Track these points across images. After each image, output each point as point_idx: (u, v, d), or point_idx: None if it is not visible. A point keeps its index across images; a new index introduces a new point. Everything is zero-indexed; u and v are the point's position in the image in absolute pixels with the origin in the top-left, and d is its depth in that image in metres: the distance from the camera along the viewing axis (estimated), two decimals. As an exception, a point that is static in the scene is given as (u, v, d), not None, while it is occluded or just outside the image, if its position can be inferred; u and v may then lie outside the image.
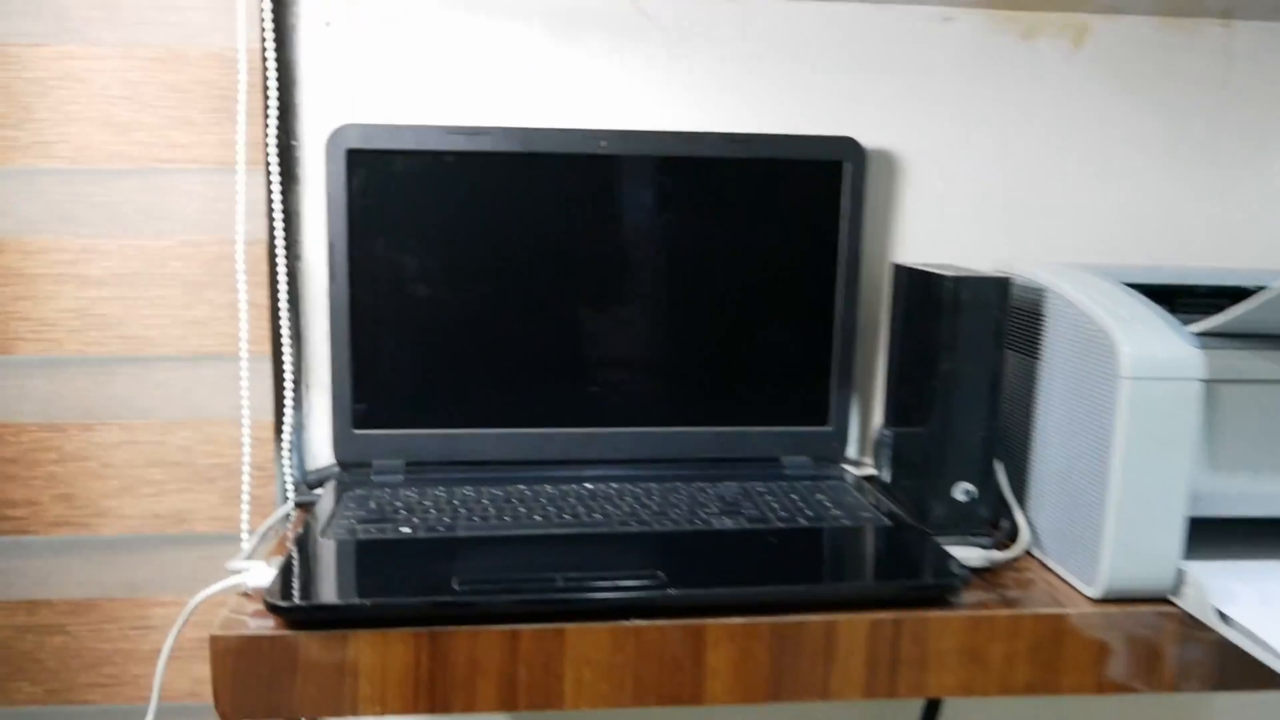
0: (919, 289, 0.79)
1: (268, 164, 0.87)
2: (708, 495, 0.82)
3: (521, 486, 0.83)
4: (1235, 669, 0.68)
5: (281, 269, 0.88)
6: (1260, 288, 0.63)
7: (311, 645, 0.63)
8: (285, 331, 0.89)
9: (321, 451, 0.94)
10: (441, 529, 0.74)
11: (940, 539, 0.75)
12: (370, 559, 0.70)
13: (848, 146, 0.87)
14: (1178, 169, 0.97)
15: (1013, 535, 0.77)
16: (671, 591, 0.65)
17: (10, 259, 0.88)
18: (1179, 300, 0.78)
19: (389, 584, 0.67)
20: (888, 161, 0.94)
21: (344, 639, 0.63)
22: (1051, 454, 0.75)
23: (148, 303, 0.90)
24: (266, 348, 0.90)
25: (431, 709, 0.64)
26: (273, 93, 0.86)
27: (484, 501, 0.79)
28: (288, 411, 0.90)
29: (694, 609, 0.65)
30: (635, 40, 0.92)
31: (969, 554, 0.73)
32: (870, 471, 0.91)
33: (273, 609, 0.63)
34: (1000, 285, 0.75)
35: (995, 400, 0.76)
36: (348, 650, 0.63)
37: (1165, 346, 0.66)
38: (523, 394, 0.88)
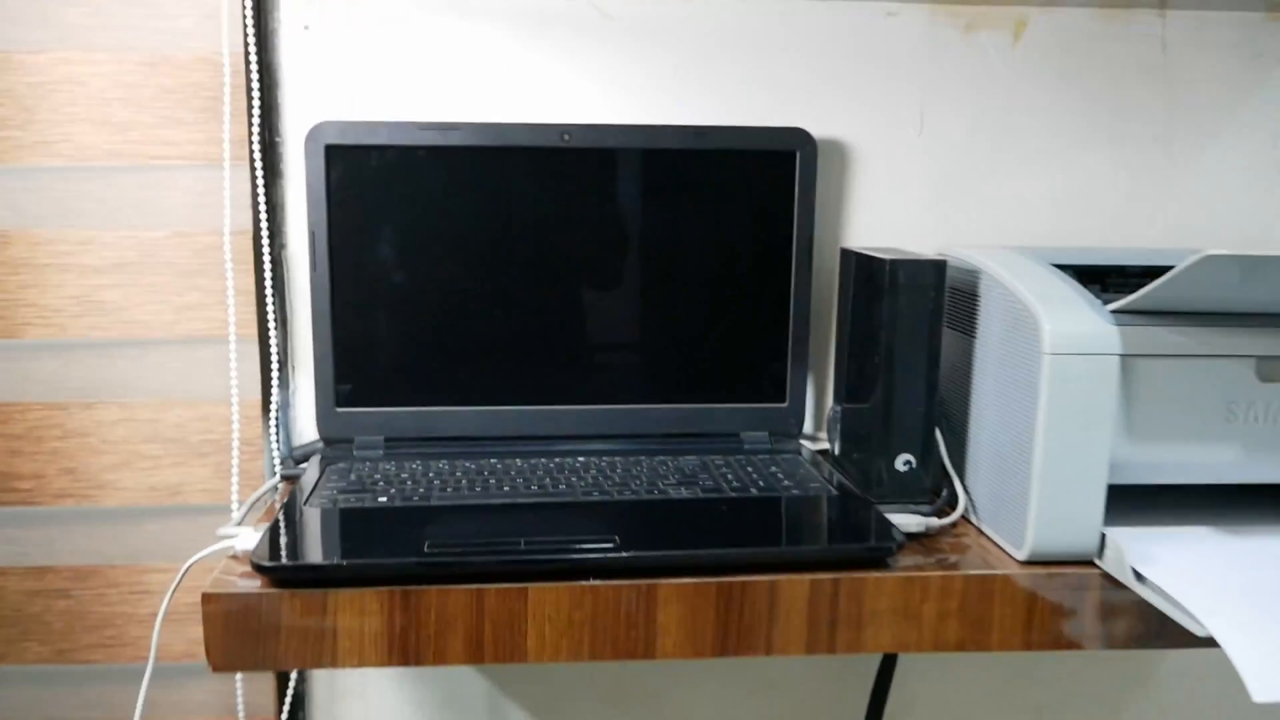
0: (863, 272, 0.83)
1: (252, 159, 0.91)
2: (668, 468, 0.86)
3: (493, 460, 0.87)
4: (1155, 628, 0.71)
5: (266, 257, 0.92)
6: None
7: (294, 603, 0.66)
8: (271, 316, 0.93)
9: (307, 428, 0.98)
10: (416, 498, 0.78)
11: (882, 507, 0.78)
12: (349, 525, 0.74)
13: (799, 137, 0.90)
14: (1117, 154, 1.00)
15: (952, 503, 0.81)
16: (624, 554, 0.69)
17: (17, 250, 0.93)
18: (1110, 280, 0.82)
19: (366, 547, 0.71)
20: (838, 151, 0.98)
21: (324, 597, 0.66)
22: (986, 426, 0.79)
23: (143, 290, 0.94)
24: (254, 331, 0.94)
25: (405, 661, 0.68)
26: (256, 93, 0.90)
27: (457, 474, 0.83)
28: (274, 391, 0.94)
29: (646, 570, 0.69)
30: (596, 39, 0.95)
31: (907, 520, 0.77)
32: (825, 446, 0.95)
33: (259, 569, 0.67)
34: (937, 267, 0.79)
35: (934, 376, 0.80)
36: (327, 607, 0.67)
37: (1085, 324, 0.70)
38: (495, 374, 0.91)
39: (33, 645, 0.99)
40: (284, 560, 0.68)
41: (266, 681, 0.99)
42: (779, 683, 1.07)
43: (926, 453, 0.81)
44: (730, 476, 0.84)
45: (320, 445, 0.91)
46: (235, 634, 0.67)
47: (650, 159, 0.90)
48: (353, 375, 0.90)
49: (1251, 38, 0.98)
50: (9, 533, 0.97)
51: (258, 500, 0.85)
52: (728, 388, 0.94)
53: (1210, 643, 0.63)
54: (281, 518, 0.74)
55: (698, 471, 0.85)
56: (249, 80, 0.90)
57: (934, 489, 0.83)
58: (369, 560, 0.68)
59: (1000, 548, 0.76)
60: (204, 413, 0.96)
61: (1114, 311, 0.71)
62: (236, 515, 0.82)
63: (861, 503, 0.79)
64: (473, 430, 0.92)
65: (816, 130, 0.92)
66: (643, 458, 0.89)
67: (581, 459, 0.88)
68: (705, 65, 0.96)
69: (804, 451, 0.92)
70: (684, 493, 0.80)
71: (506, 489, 0.80)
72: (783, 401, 0.94)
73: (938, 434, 0.83)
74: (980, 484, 0.80)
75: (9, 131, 0.92)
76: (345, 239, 0.88)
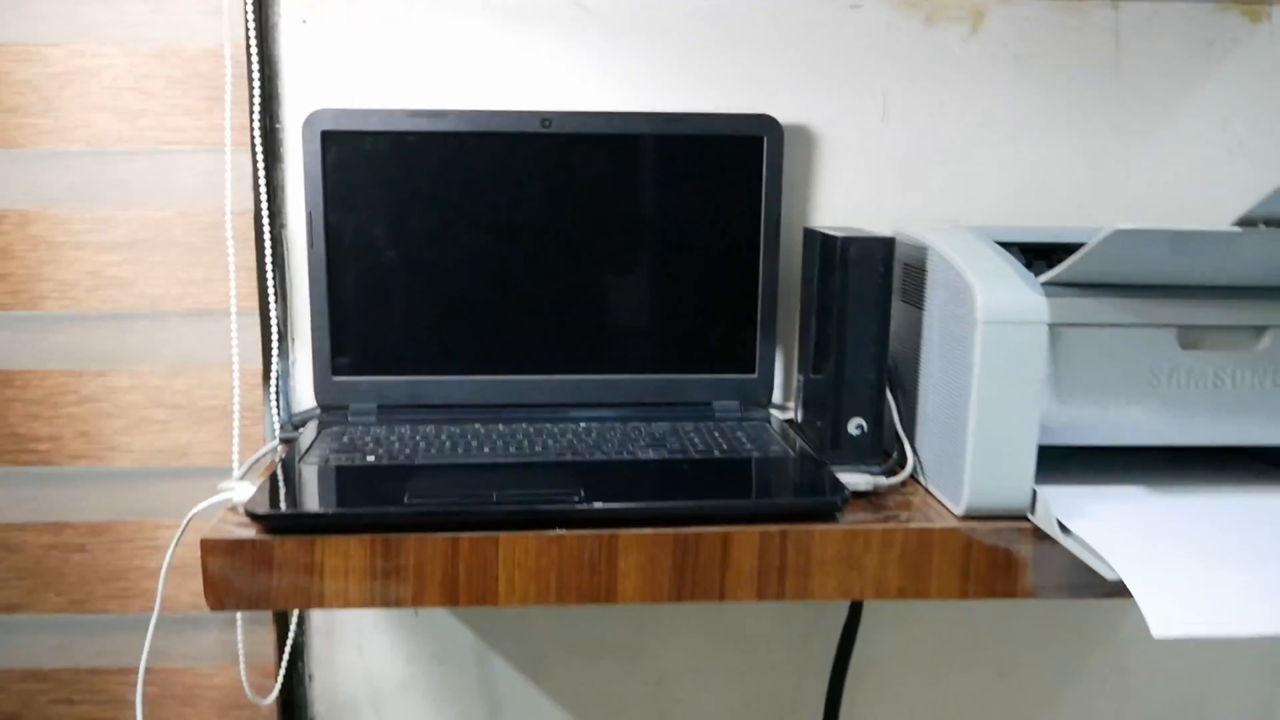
0: (820, 249, 0.87)
1: (253, 145, 0.96)
2: (639, 433, 0.91)
3: (477, 425, 0.92)
4: (1081, 579, 0.74)
5: (267, 236, 0.97)
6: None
7: (285, 547, 0.71)
8: (271, 290, 0.98)
9: (305, 396, 1.03)
10: (402, 458, 0.83)
11: (836, 468, 0.83)
12: (338, 480, 0.79)
13: (766, 123, 0.95)
14: (1074, 138, 1.04)
15: (901, 463, 0.86)
16: (585, 506, 0.74)
17: (37, 229, 0.99)
18: (1056, 257, 0.85)
19: (351, 498, 0.77)
20: (805, 136, 1.02)
21: (312, 543, 0.71)
22: (932, 391, 0.83)
23: (153, 266, 0.99)
24: (255, 305, 0.99)
25: (385, 603, 0.73)
26: (257, 83, 0.95)
27: (442, 437, 0.88)
28: (274, 360, 0.99)
29: (608, 521, 0.74)
30: (575, 31, 1.00)
31: (856, 479, 0.81)
32: (793, 415, 1.01)
33: (253, 516, 0.72)
34: (885, 244, 0.83)
35: (883, 345, 0.84)
36: (315, 553, 0.72)
37: (1015, 295, 0.74)
38: (480, 345, 0.96)
39: (50, 596, 1.04)
40: (276, 509, 0.73)
41: (267, 631, 1.04)
42: (751, 638, 1.12)
43: (877, 417, 0.86)
44: (697, 440, 0.89)
45: (317, 412, 0.96)
46: (232, 576, 0.72)
47: (625, 143, 0.95)
48: (347, 346, 0.95)
49: (1202, 27, 1.02)
50: (28, 491, 1.02)
51: (257, 461, 0.90)
52: (700, 359, 0.99)
53: (1124, 590, 0.67)
54: (277, 473, 0.80)
55: (667, 436, 0.90)
56: (250, 71, 0.95)
57: (886, 451, 0.88)
58: (352, 509, 0.74)
59: (943, 505, 0.80)
60: (209, 380, 1.01)
61: (1044, 284, 0.75)
62: (237, 474, 0.87)
63: (816, 464, 0.84)
64: (459, 398, 0.96)
65: (784, 117, 0.97)
66: (617, 424, 0.93)
67: (559, 425, 0.93)
68: (678, 55, 1.01)
69: (773, 420, 0.96)
70: (651, 454, 0.85)
71: (486, 450, 0.85)
72: (752, 372, 0.99)
73: (889, 399, 0.88)
74: (926, 446, 0.84)
75: (30, 119, 0.97)
76: (340, 219, 0.93)
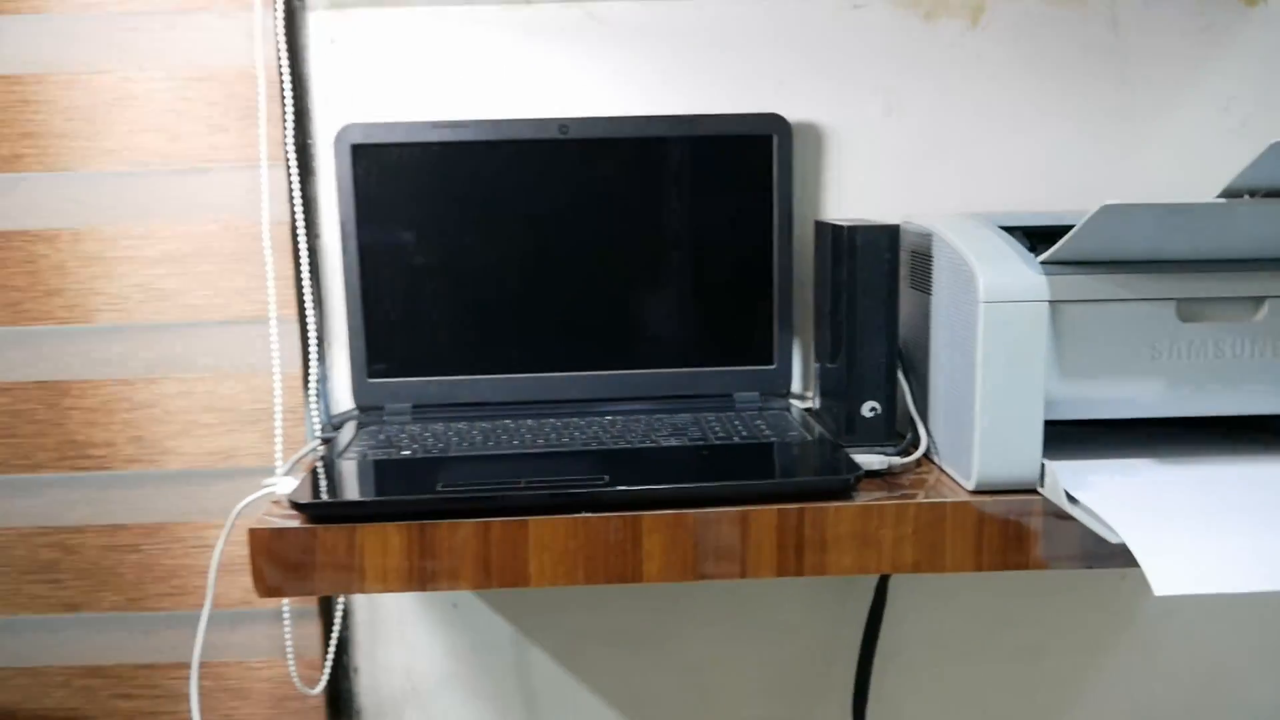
0: (830, 240, 0.90)
1: (288, 160, 1.00)
2: (662, 423, 0.94)
3: (507, 421, 0.96)
4: (1091, 548, 0.77)
5: (303, 246, 1.01)
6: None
7: (327, 536, 0.75)
8: (308, 298, 1.02)
9: (343, 397, 1.07)
10: (436, 451, 0.87)
11: (852, 450, 0.86)
12: (375, 472, 0.83)
13: (775, 122, 0.98)
14: (1076, 126, 1.06)
15: (915, 443, 0.88)
16: (609, 489, 0.77)
17: (89, 245, 1.03)
18: (1059, 239, 0.89)
19: (388, 487, 0.81)
20: (814, 133, 1.05)
21: (351, 531, 0.75)
22: (941, 372, 0.86)
23: (197, 277, 1.04)
24: (293, 312, 1.03)
25: (422, 586, 0.76)
26: (289, 101, 0.99)
27: (474, 433, 0.92)
28: (313, 364, 1.03)
29: (631, 503, 0.77)
30: (589, 41, 1.04)
31: (870, 459, 0.84)
32: (812, 403, 1.03)
33: (296, 506, 0.76)
34: (890, 232, 0.86)
35: (892, 330, 0.87)
36: (355, 540, 0.75)
37: (1015, 274, 0.76)
38: (509, 344, 1.00)
39: (108, 594, 1.09)
40: (317, 498, 0.77)
41: (313, 626, 1.08)
42: (780, 625, 1.14)
43: (890, 399, 0.89)
44: (717, 428, 0.92)
45: (355, 412, 1.00)
46: (277, 565, 0.76)
47: (641, 146, 0.99)
48: (382, 349, 0.99)
49: (1198, 13, 1.04)
50: (87, 494, 1.07)
51: (299, 460, 0.94)
52: (721, 352, 1.02)
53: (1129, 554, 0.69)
54: (318, 468, 0.84)
55: (689, 425, 0.93)
56: (283, 90, 0.99)
57: (901, 433, 0.90)
58: (389, 497, 0.78)
59: (956, 482, 0.82)
60: (252, 385, 1.05)
61: (1043, 263, 0.77)
62: (281, 471, 0.91)
63: (832, 446, 0.87)
64: (490, 396, 1.00)
65: (792, 115, 1.00)
66: (641, 416, 0.97)
67: (586, 419, 0.96)
68: (688, 60, 1.04)
69: (793, 409, 0.99)
70: (673, 441, 0.88)
71: (516, 443, 0.88)
72: (771, 363, 1.02)
73: (902, 382, 0.91)
74: (939, 425, 0.87)
75: (79, 142, 1.02)
76: (372, 227, 0.97)
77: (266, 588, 0.77)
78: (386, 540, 0.76)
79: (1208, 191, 0.76)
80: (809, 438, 0.89)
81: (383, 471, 0.84)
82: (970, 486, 0.80)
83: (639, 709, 1.16)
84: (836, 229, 0.88)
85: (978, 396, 0.78)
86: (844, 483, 0.80)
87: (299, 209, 1.01)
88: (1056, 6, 1.04)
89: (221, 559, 0.96)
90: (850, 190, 1.07)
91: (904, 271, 0.92)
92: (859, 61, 1.05)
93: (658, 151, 0.99)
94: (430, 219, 0.98)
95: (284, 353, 1.03)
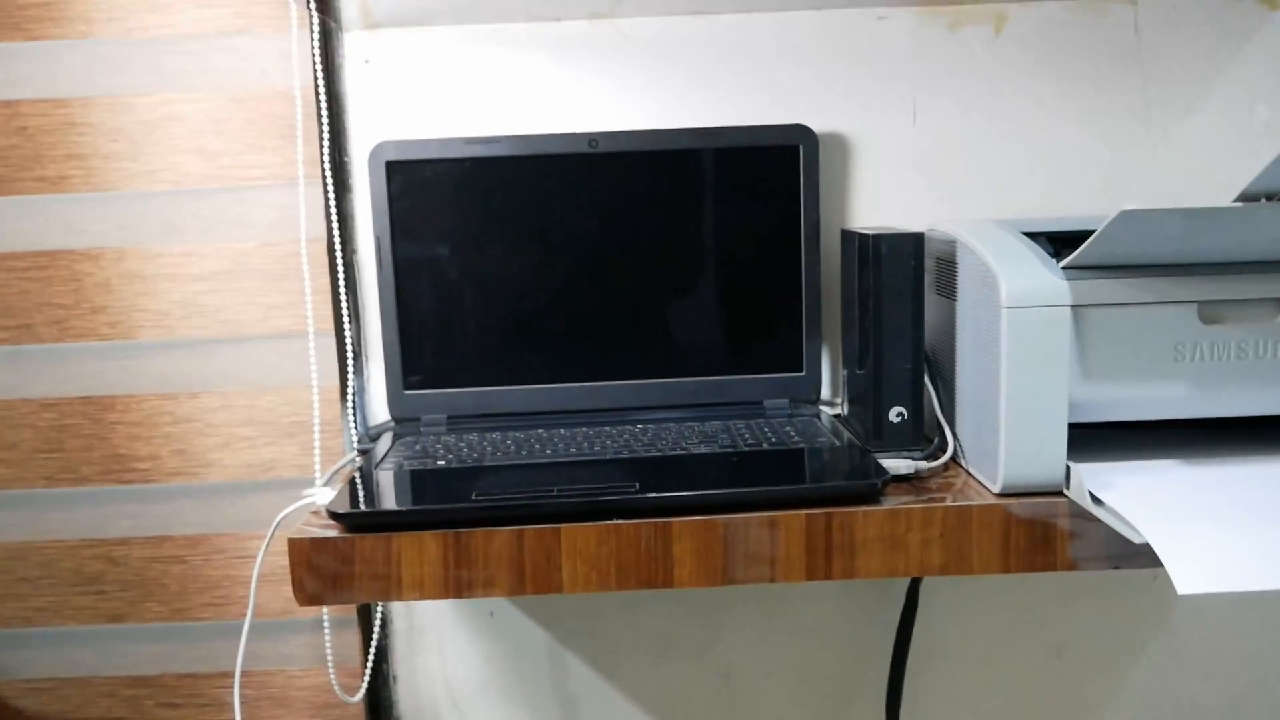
0: (856, 248, 0.90)
1: (324, 177, 1.02)
2: (693, 431, 0.95)
3: (540, 430, 0.97)
4: (1117, 549, 0.77)
5: (339, 261, 1.03)
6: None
7: (365, 545, 0.76)
8: (345, 312, 1.04)
9: (379, 410, 1.08)
10: (470, 461, 0.88)
11: (879, 455, 0.86)
12: (412, 482, 0.85)
13: (801, 132, 1.00)
14: (1099, 131, 1.07)
15: (942, 448, 0.89)
16: (640, 496, 0.78)
17: (132, 264, 1.06)
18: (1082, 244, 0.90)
19: (424, 497, 0.82)
20: (840, 143, 1.07)
21: (389, 540, 0.76)
22: (967, 377, 0.86)
23: (237, 294, 1.06)
24: (331, 326, 1.05)
25: (458, 594, 0.78)
26: (325, 120, 1.02)
27: (508, 442, 0.93)
28: (350, 377, 1.05)
29: (662, 509, 0.78)
30: (617, 56, 1.06)
31: (897, 464, 0.85)
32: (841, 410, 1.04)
33: (334, 516, 0.78)
34: (915, 240, 0.87)
35: (918, 336, 0.88)
36: (392, 549, 0.77)
37: (1038, 280, 0.77)
38: (543, 356, 1.02)
39: (153, 605, 1.11)
40: (355, 508, 0.78)
41: (353, 635, 1.10)
42: (813, 630, 1.15)
43: (917, 405, 0.89)
44: (747, 435, 0.93)
45: (391, 424, 1.01)
46: (317, 574, 0.77)
47: (669, 159, 1.00)
48: (417, 362, 1.01)
49: (1219, 18, 1.05)
50: (131, 507, 1.09)
51: (337, 471, 0.96)
52: (750, 360, 1.03)
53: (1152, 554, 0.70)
54: (356, 479, 0.85)
55: (718, 433, 0.94)
56: (319, 109, 1.02)
57: (929, 438, 0.91)
58: (425, 506, 0.79)
59: (983, 485, 0.83)
60: (291, 398, 1.07)
61: (1065, 268, 0.78)
62: (319, 482, 0.93)
63: (860, 451, 0.88)
64: (523, 406, 1.02)
65: (818, 126, 1.01)
66: (672, 424, 0.98)
67: (617, 427, 0.97)
68: (715, 73, 1.06)
69: (822, 415, 1.00)
70: (703, 449, 0.89)
71: (549, 452, 0.90)
72: (800, 371, 1.03)
73: (928, 387, 0.92)
74: (965, 430, 0.88)
75: (122, 163, 1.05)
76: (406, 242, 0.99)
77: (307, 596, 0.78)
78: (423, 548, 0.77)
79: (1231, 194, 0.77)
80: (837, 443, 0.90)
81: (419, 481, 0.85)
82: (996, 489, 0.81)
83: (673, 713, 1.17)
84: (863, 237, 0.89)
85: (1002, 400, 0.79)
86: (871, 487, 0.81)
87: (335, 225, 1.03)
88: (1079, 13, 1.05)
89: (262, 569, 0.98)
90: (876, 198, 1.08)
91: (929, 278, 0.93)
92: (884, 71, 1.06)
93: (686, 163, 1.00)
94: (463, 233, 1.00)
95: (322, 366, 1.05)
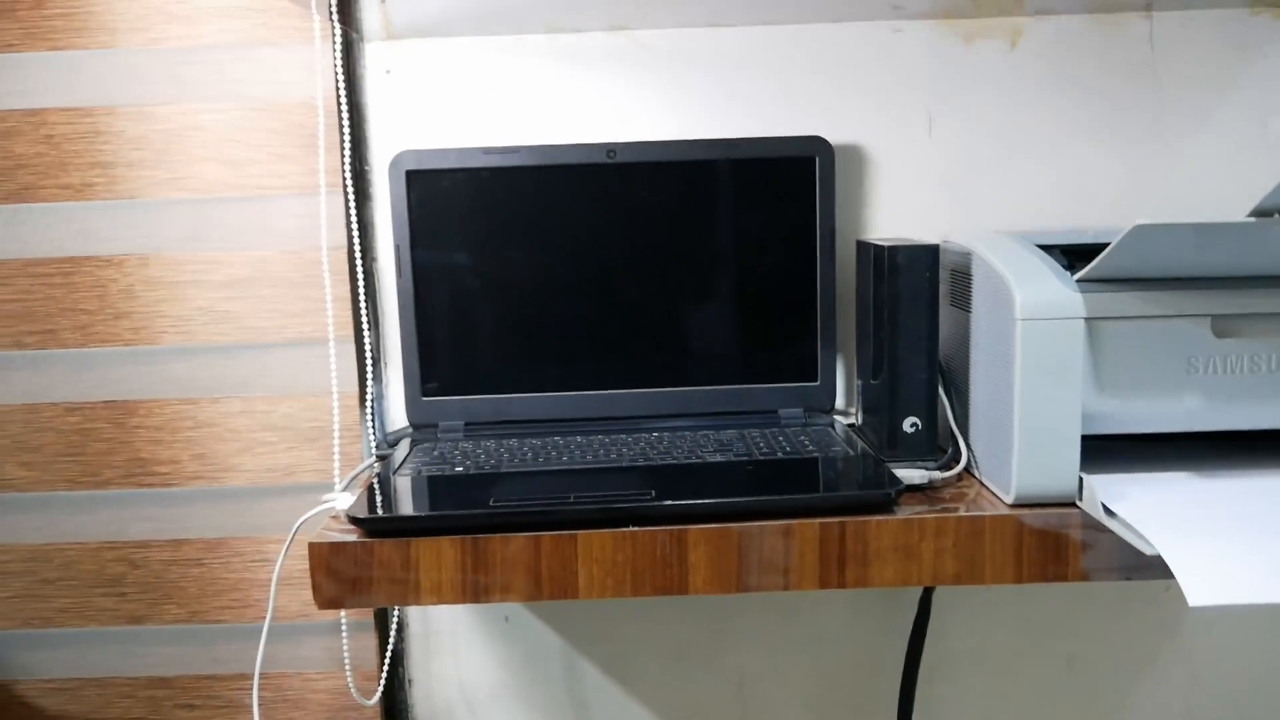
0: (871, 259, 0.91)
1: (345, 186, 1.02)
2: (708, 439, 0.95)
3: (556, 438, 0.97)
4: (1129, 560, 0.78)
5: (359, 269, 1.04)
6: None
7: (383, 550, 0.77)
8: (364, 319, 1.05)
9: (398, 416, 1.09)
10: (488, 467, 0.89)
11: (893, 464, 0.87)
12: (429, 487, 0.85)
13: (817, 144, 1.00)
14: (1114, 143, 1.07)
15: (956, 458, 0.89)
16: (655, 503, 0.79)
17: (155, 270, 1.07)
18: (1096, 257, 0.91)
19: (441, 503, 0.83)
20: (856, 154, 1.07)
21: (407, 545, 0.77)
22: (981, 389, 0.87)
23: (258, 301, 1.07)
24: (350, 333, 1.06)
25: (475, 599, 0.78)
26: (346, 130, 1.03)
27: (524, 449, 0.94)
28: (369, 384, 1.05)
29: (677, 517, 0.79)
30: (637, 68, 1.07)
31: (911, 474, 0.85)
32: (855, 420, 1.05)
33: (353, 521, 0.78)
34: (930, 251, 0.87)
35: (932, 347, 0.88)
36: (410, 553, 0.77)
37: (1051, 292, 0.78)
38: (560, 364, 1.02)
39: (171, 607, 1.12)
40: (374, 513, 0.79)
41: (369, 638, 1.11)
42: (827, 638, 1.15)
43: (931, 415, 0.90)
44: (762, 444, 0.93)
45: (409, 430, 1.02)
46: (335, 578, 0.78)
47: (686, 169, 1.01)
48: (436, 369, 1.01)
49: (1235, 31, 1.05)
50: (151, 511, 1.10)
51: (356, 476, 0.97)
52: (765, 370, 1.03)
53: (1164, 565, 0.70)
54: (374, 484, 0.86)
55: (733, 441, 0.94)
56: (340, 119, 1.02)
57: (943, 448, 0.91)
58: (443, 512, 0.80)
59: (996, 496, 0.83)
60: (310, 404, 1.09)
61: (1079, 281, 0.78)
62: (338, 488, 0.94)
63: (873, 461, 0.88)
64: (540, 414, 1.02)
65: (834, 137, 1.02)
66: (687, 433, 0.98)
67: (633, 435, 0.98)
68: (732, 84, 1.07)
69: (837, 424, 1.00)
70: (718, 457, 0.90)
71: (565, 459, 0.90)
72: (815, 380, 1.03)
73: (943, 398, 0.92)
74: (979, 440, 0.88)
75: (146, 171, 1.06)
76: (426, 251, 1.00)
77: (325, 600, 0.79)
78: (441, 553, 0.78)
79: (1245, 208, 0.77)
80: (852, 453, 0.91)
81: (436, 487, 0.86)
82: (1009, 500, 0.81)
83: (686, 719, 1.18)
84: (878, 248, 0.89)
85: (1016, 412, 0.79)
86: (885, 496, 0.81)
87: (355, 233, 1.03)
88: (1093, 25, 1.06)
89: (281, 573, 0.99)
90: (891, 210, 1.09)
91: (944, 289, 0.93)
92: (900, 84, 1.07)
93: (703, 174, 1.01)
94: (482, 242, 1.01)
95: (341, 373, 1.06)
